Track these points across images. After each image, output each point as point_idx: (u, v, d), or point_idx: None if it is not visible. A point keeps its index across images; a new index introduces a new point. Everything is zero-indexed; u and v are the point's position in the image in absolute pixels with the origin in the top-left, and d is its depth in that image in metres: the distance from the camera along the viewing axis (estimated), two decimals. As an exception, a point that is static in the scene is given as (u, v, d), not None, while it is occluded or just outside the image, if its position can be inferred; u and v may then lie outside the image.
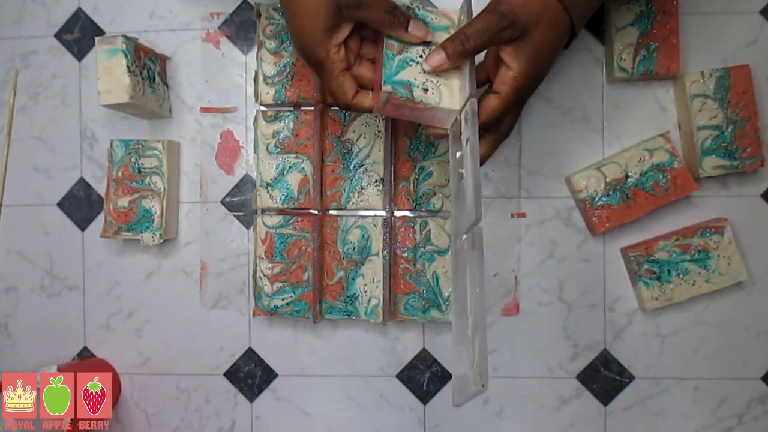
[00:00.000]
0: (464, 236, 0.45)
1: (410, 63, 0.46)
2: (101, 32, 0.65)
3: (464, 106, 0.45)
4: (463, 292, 0.44)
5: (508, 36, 0.43)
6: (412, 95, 0.45)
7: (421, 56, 0.46)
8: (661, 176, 0.58)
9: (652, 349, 0.61)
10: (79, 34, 0.65)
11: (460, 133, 0.46)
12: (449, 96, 0.46)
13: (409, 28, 0.45)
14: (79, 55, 0.65)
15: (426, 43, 0.46)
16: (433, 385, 0.63)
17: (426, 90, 0.45)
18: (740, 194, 0.61)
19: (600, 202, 0.59)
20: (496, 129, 0.48)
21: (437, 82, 0.46)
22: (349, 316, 0.60)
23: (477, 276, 0.41)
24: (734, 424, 0.61)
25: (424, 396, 0.63)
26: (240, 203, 0.64)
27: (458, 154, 0.47)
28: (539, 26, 0.43)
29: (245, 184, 0.64)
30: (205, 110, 0.64)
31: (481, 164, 0.49)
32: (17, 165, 0.66)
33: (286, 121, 0.61)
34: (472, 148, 0.43)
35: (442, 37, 0.46)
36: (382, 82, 0.45)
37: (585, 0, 0.45)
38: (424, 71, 0.45)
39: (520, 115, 0.49)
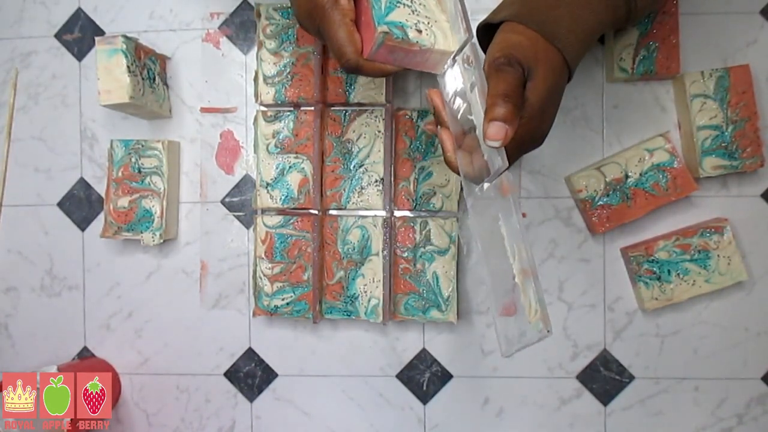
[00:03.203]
0: (485, 185, 0.42)
1: (397, 5, 0.43)
2: (101, 32, 0.65)
3: (462, 47, 0.43)
4: (492, 247, 0.41)
5: (525, 79, 0.42)
6: (407, 36, 0.42)
7: None
8: (661, 176, 0.58)
9: (652, 349, 0.61)
10: (79, 34, 0.65)
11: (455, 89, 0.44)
12: (443, 37, 0.43)
13: None
14: (79, 55, 0.65)
15: None
16: (433, 385, 0.63)
17: (420, 31, 0.43)
18: (740, 194, 0.61)
19: (600, 202, 0.59)
20: None
21: (428, 22, 0.44)
22: (349, 316, 0.60)
23: (516, 222, 0.38)
24: (734, 424, 0.61)
25: (424, 396, 0.63)
26: (240, 203, 0.64)
27: (457, 106, 0.45)
28: (539, 66, 0.42)
29: (245, 184, 0.64)
30: (205, 110, 0.64)
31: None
32: (17, 165, 0.66)
33: (286, 121, 0.61)
34: (481, 92, 0.41)
35: None
36: (375, 24, 0.42)
37: (577, 40, 0.44)
38: (492, 145, 0.40)
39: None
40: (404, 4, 0.44)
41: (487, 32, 0.47)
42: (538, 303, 0.38)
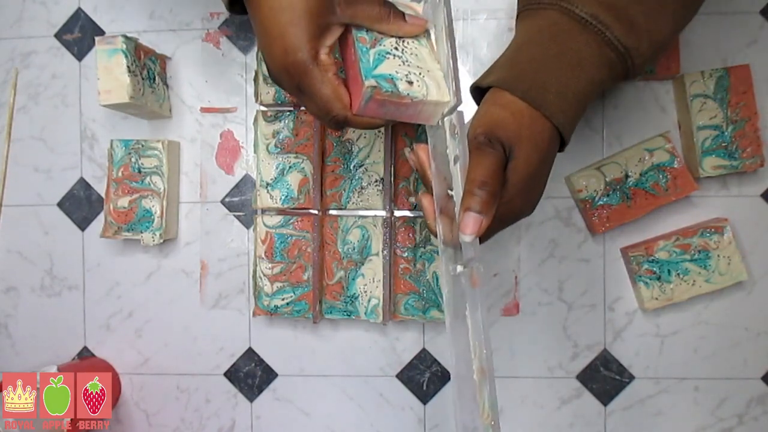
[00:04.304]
0: (459, 268, 0.41)
1: (386, 56, 0.42)
2: (101, 32, 0.65)
3: (452, 110, 0.41)
4: (459, 320, 0.41)
5: (506, 160, 0.41)
6: (398, 89, 0.40)
7: (395, 48, 0.42)
8: (661, 176, 0.58)
9: (652, 349, 0.61)
10: (79, 34, 0.65)
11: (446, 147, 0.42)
12: (436, 87, 0.42)
13: (408, 20, 0.43)
14: (79, 55, 0.65)
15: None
16: (433, 385, 0.63)
17: (411, 83, 0.41)
18: (740, 194, 0.61)
19: (600, 202, 0.59)
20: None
21: (420, 73, 0.42)
22: (349, 316, 0.60)
23: (480, 318, 0.38)
24: (734, 424, 0.61)
25: (424, 396, 0.63)
26: (240, 203, 0.64)
27: (443, 166, 0.43)
28: (522, 145, 0.41)
29: (245, 184, 0.64)
30: (205, 110, 0.64)
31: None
32: (17, 165, 0.66)
33: (286, 121, 0.61)
34: (462, 168, 0.40)
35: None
36: (363, 78, 0.40)
37: (568, 104, 0.42)
38: (465, 248, 0.39)
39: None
40: (394, 55, 0.42)
41: (479, 90, 0.46)
42: (491, 408, 0.37)
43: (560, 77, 0.42)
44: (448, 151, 0.42)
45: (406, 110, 0.42)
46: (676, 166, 0.58)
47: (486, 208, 0.39)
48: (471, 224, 0.38)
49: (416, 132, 0.61)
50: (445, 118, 0.42)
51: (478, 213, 0.38)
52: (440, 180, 0.44)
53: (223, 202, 0.64)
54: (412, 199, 0.60)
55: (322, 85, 0.41)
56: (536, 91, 0.42)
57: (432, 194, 0.44)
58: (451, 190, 0.43)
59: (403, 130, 0.61)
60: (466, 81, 0.61)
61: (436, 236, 0.44)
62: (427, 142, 0.46)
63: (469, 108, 0.44)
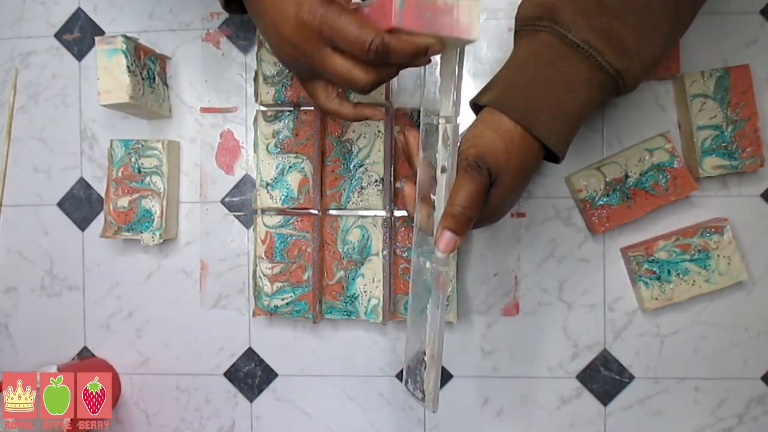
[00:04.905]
0: (428, 264, 0.45)
1: None
2: (101, 32, 0.65)
3: (450, 120, 0.43)
4: (419, 305, 0.46)
5: (490, 184, 0.43)
6: None
7: None
8: (661, 176, 0.58)
9: (652, 349, 0.61)
10: (79, 34, 0.65)
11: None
12: None
13: None
14: (79, 55, 0.65)
15: None
16: (433, 385, 0.63)
17: None
18: (740, 194, 0.61)
19: (600, 202, 0.59)
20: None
21: None
22: (349, 316, 0.60)
23: (438, 317, 0.43)
24: (734, 424, 0.61)
25: (424, 396, 0.63)
26: (240, 203, 0.64)
27: (431, 156, 0.45)
28: (508, 173, 0.43)
29: (245, 184, 0.64)
30: (205, 110, 0.64)
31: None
32: (17, 165, 0.66)
33: (286, 121, 0.61)
34: (448, 181, 0.43)
35: None
36: None
37: (560, 126, 0.44)
38: (437, 259, 0.43)
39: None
40: None
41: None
42: (434, 388, 0.45)
43: (553, 100, 0.44)
44: (437, 155, 0.44)
45: (443, 17, 0.40)
46: (676, 166, 0.58)
47: (462, 230, 0.42)
48: (447, 242, 0.42)
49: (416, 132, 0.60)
50: (440, 125, 0.44)
51: (454, 233, 0.42)
52: (425, 169, 0.46)
53: (223, 202, 0.64)
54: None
55: (347, 18, 0.39)
56: (529, 114, 0.43)
57: (413, 181, 0.47)
58: (434, 194, 0.45)
59: (404, 130, 0.61)
60: (466, 81, 0.61)
61: (413, 221, 0.47)
62: (418, 129, 0.47)
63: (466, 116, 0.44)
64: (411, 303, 0.48)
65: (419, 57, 0.40)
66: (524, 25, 0.47)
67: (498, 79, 0.47)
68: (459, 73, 0.43)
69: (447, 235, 0.42)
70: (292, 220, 0.61)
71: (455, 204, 0.42)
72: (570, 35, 0.43)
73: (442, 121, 0.44)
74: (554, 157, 0.47)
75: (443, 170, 0.44)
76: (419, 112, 0.60)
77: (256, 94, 0.61)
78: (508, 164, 0.43)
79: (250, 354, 0.64)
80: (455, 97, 0.43)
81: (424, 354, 0.45)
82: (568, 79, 0.44)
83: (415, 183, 0.47)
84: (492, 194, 0.43)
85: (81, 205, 0.65)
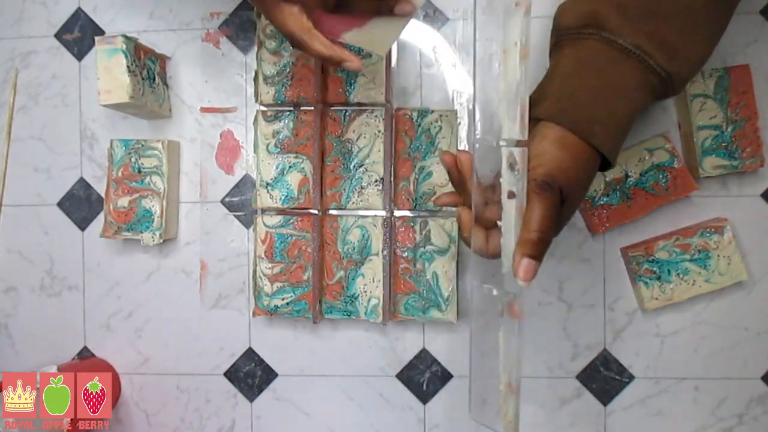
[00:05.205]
0: (495, 291, 0.44)
1: None
2: (101, 32, 0.65)
3: (513, 143, 0.41)
4: (485, 329, 0.44)
5: (562, 202, 0.42)
6: None
7: None
8: (661, 176, 0.58)
9: (652, 349, 0.61)
10: (79, 34, 0.65)
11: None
12: None
13: None
14: (79, 55, 0.65)
15: None
16: (433, 385, 0.63)
17: None
18: (740, 194, 0.61)
19: (600, 202, 0.59)
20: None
21: None
22: (349, 316, 0.60)
23: (515, 346, 0.41)
24: (734, 424, 0.61)
25: (424, 396, 0.63)
26: (240, 203, 0.64)
27: (486, 178, 0.44)
28: (578, 190, 0.43)
29: (245, 184, 0.64)
30: (205, 110, 0.64)
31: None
32: (17, 165, 0.66)
33: (286, 121, 0.61)
34: (518, 207, 0.41)
35: None
36: None
37: (615, 132, 0.44)
38: (520, 284, 0.42)
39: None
40: None
41: None
42: (514, 417, 0.42)
43: (607, 107, 0.43)
44: (502, 180, 0.42)
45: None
46: (676, 165, 0.58)
47: (541, 255, 0.41)
48: (526, 270, 0.41)
49: (416, 132, 0.61)
50: (504, 148, 0.42)
51: (533, 259, 0.40)
52: (479, 193, 0.45)
53: (223, 202, 0.64)
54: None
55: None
56: (587, 124, 0.43)
57: (467, 206, 0.46)
58: (500, 220, 0.43)
59: (404, 130, 0.61)
60: (468, 81, 0.61)
61: (469, 247, 0.46)
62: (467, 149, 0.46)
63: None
64: (474, 331, 0.46)
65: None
66: (566, 34, 0.46)
67: (547, 91, 0.45)
68: (525, 90, 0.41)
69: (526, 263, 0.40)
70: (292, 220, 0.61)
71: (531, 230, 0.41)
72: (620, 40, 0.43)
73: (503, 143, 0.42)
74: (606, 165, 0.46)
75: (511, 196, 0.42)
76: (419, 111, 0.60)
77: (256, 94, 0.61)
78: (578, 179, 0.42)
79: (250, 354, 0.64)
80: (522, 118, 0.41)
81: (500, 384, 0.43)
82: (620, 86, 0.43)
83: (470, 208, 0.45)
84: (564, 209, 0.42)
85: (81, 205, 0.65)
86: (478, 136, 0.44)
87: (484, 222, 0.45)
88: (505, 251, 0.42)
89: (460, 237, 0.46)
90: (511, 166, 0.41)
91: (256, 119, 0.61)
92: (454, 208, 0.59)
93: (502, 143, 0.42)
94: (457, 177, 0.47)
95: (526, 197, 0.41)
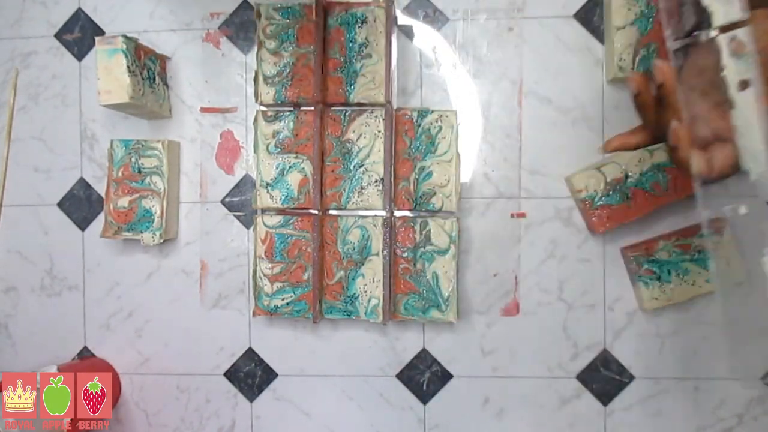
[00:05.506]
0: (742, 209, 0.39)
1: None
2: (101, 32, 0.65)
3: (741, 14, 0.36)
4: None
5: None
6: None
7: None
8: (661, 176, 0.58)
9: (652, 349, 0.61)
10: (79, 34, 0.65)
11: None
12: None
13: None
14: (79, 55, 0.65)
15: None
16: (433, 385, 0.63)
17: None
18: (740, 194, 0.61)
19: (600, 202, 0.59)
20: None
21: None
22: (349, 316, 0.60)
23: None
24: (734, 424, 0.61)
25: (424, 396, 0.63)
26: (240, 203, 0.64)
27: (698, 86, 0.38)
28: None
29: (245, 184, 0.64)
30: (205, 110, 0.64)
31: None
32: (17, 165, 0.66)
33: (286, 121, 0.61)
34: (760, 98, 0.35)
35: None
36: None
37: None
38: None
39: None
40: None
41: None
42: None
43: None
44: (724, 73, 0.37)
45: None
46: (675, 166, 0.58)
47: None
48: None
49: (416, 133, 0.60)
50: (721, 36, 0.37)
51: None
52: (699, 100, 0.40)
53: (223, 202, 0.64)
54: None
55: None
56: None
57: (674, 120, 0.40)
58: (724, 127, 0.38)
59: (404, 130, 0.61)
60: (466, 81, 0.61)
61: (682, 168, 0.41)
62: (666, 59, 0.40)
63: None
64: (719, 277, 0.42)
65: None
66: None
67: None
68: None
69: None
70: (292, 220, 0.61)
71: None
72: None
73: (715, 32, 0.37)
74: None
75: (743, 86, 0.36)
76: (419, 112, 0.60)
77: (256, 94, 0.61)
78: None
79: (250, 354, 0.64)
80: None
81: None
82: None
83: (678, 121, 0.39)
84: None
85: (81, 205, 0.65)
86: (674, 42, 0.39)
87: (697, 141, 0.39)
88: (750, 155, 0.37)
89: (673, 162, 0.41)
90: (735, 53, 0.37)
91: (256, 119, 0.61)
92: (454, 211, 0.60)
93: (713, 33, 0.37)
94: (644, 100, 0.41)
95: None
